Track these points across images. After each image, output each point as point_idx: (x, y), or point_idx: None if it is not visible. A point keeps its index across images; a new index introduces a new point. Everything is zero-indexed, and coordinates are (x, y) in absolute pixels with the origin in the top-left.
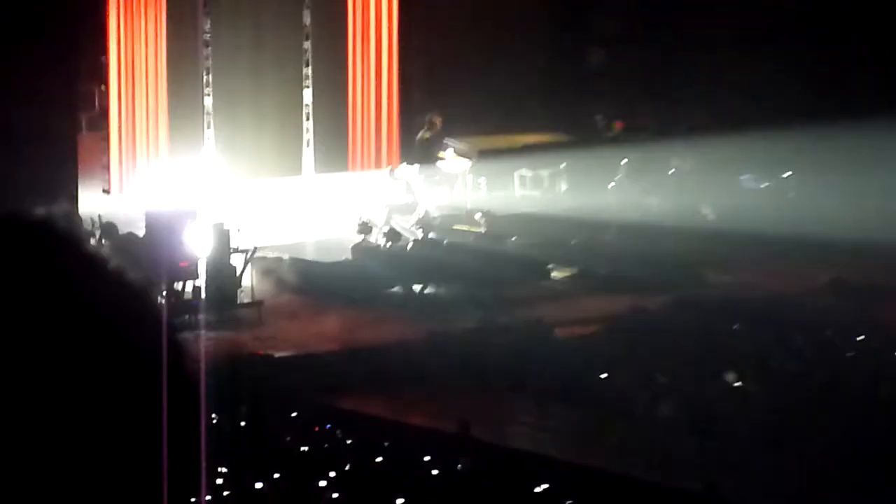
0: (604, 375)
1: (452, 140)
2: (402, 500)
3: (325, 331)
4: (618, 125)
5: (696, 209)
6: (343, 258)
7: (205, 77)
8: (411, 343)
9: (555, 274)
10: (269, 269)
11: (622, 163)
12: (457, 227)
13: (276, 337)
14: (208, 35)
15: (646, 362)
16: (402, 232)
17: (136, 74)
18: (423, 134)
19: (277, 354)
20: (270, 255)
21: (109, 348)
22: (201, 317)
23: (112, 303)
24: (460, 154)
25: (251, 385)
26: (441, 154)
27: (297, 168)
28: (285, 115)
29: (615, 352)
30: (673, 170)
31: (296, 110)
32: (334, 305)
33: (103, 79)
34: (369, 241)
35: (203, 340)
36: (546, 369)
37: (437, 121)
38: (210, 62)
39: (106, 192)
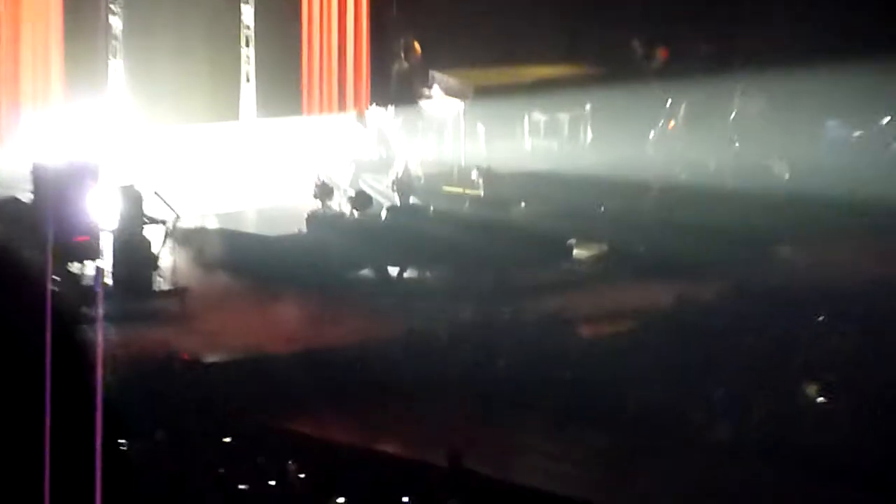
0: (641, 390)
1: (440, 74)
2: None
3: (271, 328)
4: (661, 53)
5: (765, 166)
6: (295, 230)
7: None
8: (385, 345)
9: (577, 252)
10: (197, 245)
11: (667, 104)
12: (447, 189)
13: (206, 336)
14: None
15: (698, 371)
16: (373, 195)
17: None
18: (398, 65)
19: (207, 360)
20: (198, 226)
21: None
22: (104, 309)
23: None
24: (450, 92)
25: (171, 402)
26: (425, 92)
27: (233, 111)
28: (217, 40)
29: (657, 357)
30: (734, 113)
31: (231, 34)
32: (283, 294)
33: None
34: (330, 208)
35: (105, 342)
36: (565, 381)
37: (416, 46)
38: None
39: None
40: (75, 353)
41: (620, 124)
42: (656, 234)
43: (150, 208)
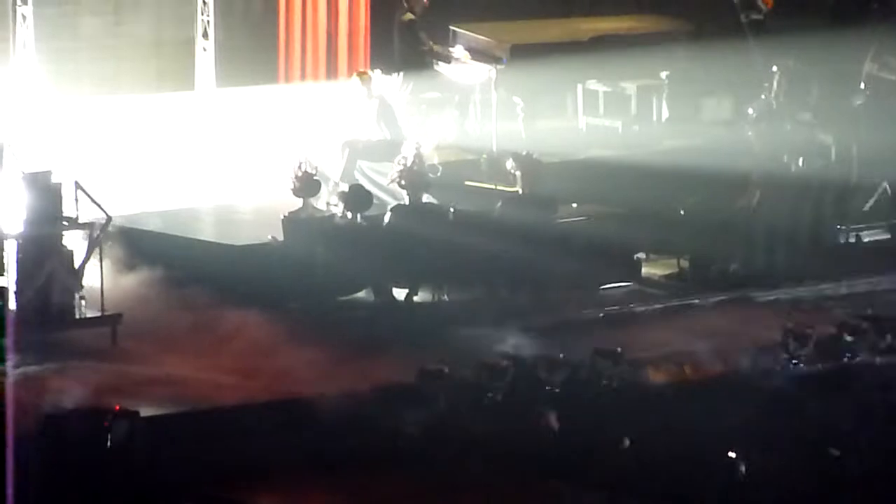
0: (733, 454)
1: (462, 29)
2: None
3: (233, 370)
4: (766, 3)
5: None
6: (268, 237)
7: None
8: (387, 391)
9: (647, 270)
10: (134, 256)
11: (773, 71)
12: (472, 183)
13: (144, 380)
14: None
15: (816, 428)
16: (373, 192)
17: None
18: (403, 15)
19: (145, 412)
20: (136, 230)
21: None
22: (7, 343)
23: None
24: (477, 54)
25: (98, 469)
26: (443, 54)
27: (186, 79)
28: None
29: (757, 410)
30: (863, 86)
31: None
32: (251, 323)
33: None
34: (315, 208)
35: (10, 386)
36: (625, 442)
37: None
38: None
39: None
40: None
41: (707, 98)
42: (754, 246)
43: (70, 206)
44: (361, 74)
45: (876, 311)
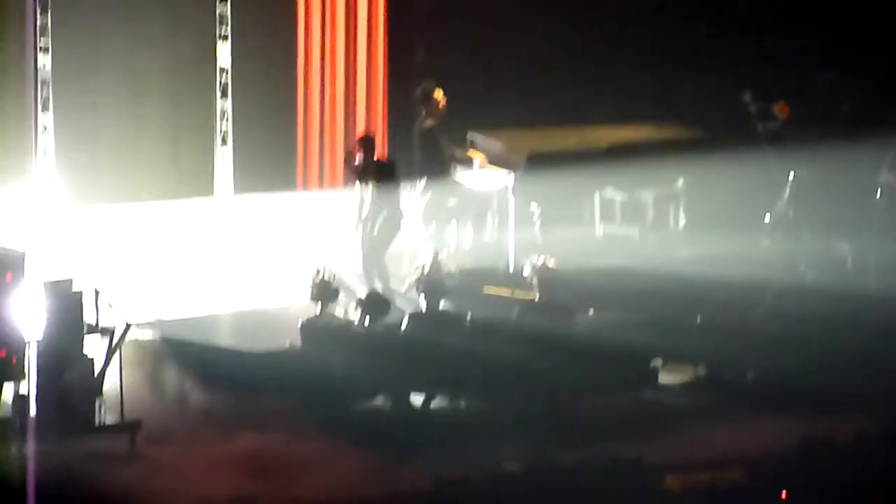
0: None
1: (481, 135)
2: None
3: (254, 478)
4: (781, 110)
5: None
6: (286, 344)
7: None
8: (404, 500)
9: (664, 378)
10: (154, 363)
11: (789, 178)
12: (489, 290)
13: (164, 491)
14: None
15: None
16: (390, 298)
17: None
18: (423, 122)
19: None
20: (156, 337)
21: None
22: (27, 451)
23: None
24: (494, 160)
25: None
26: (460, 160)
27: (205, 185)
28: (184, 88)
29: None
30: (880, 191)
31: (203, 80)
32: (270, 431)
33: None
34: (332, 314)
35: (30, 493)
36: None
37: (436, 95)
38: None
39: None
40: None
41: (724, 206)
42: (772, 355)
43: (90, 313)
44: (373, 184)
45: None
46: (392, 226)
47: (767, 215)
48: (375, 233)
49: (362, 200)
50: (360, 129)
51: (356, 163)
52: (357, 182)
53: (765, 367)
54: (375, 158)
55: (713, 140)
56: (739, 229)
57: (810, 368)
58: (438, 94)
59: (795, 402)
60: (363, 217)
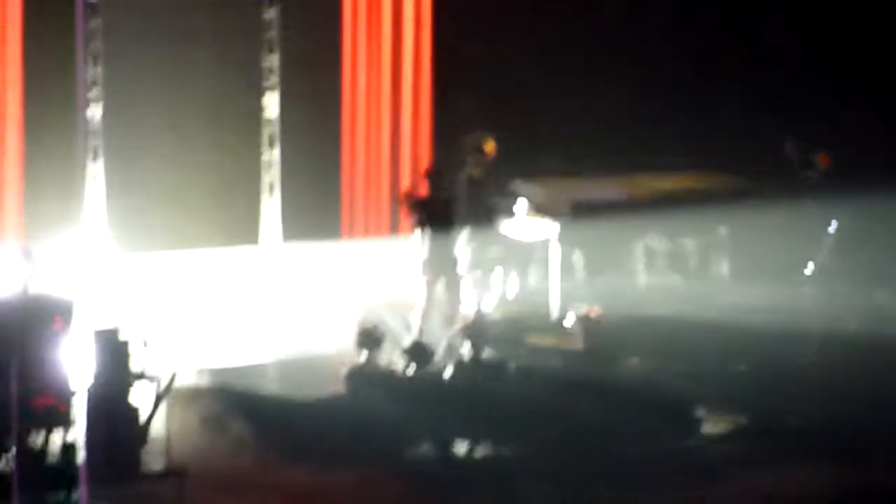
0: None
1: (525, 184)
2: None
3: None
4: (822, 160)
5: None
6: (331, 392)
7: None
8: None
9: (708, 427)
10: (201, 410)
11: (830, 229)
12: (533, 339)
13: None
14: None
15: None
16: (435, 348)
17: None
18: (468, 171)
19: None
20: (202, 385)
21: None
22: (77, 498)
23: None
24: (538, 209)
25: None
26: (504, 209)
27: (251, 234)
28: (231, 138)
29: None
30: None
31: (250, 131)
32: (317, 477)
33: None
34: (378, 363)
35: None
36: None
37: (490, 146)
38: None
39: None
40: None
41: (766, 255)
42: (815, 404)
43: (137, 361)
44: (417, 233)
45: None
46: (454, 269)
47: (809, 264)
48: (440, 275)
49: (423, 238)
50: (405, 180)
51: (419, 198)
52: (419, 217)
53: (807, 415)
54: (439, 194)
55: (756, 189)
56: (781, 278)
57: (853, 417)
58: (490, 146)
59: (839, 451)
60: (426, 258)
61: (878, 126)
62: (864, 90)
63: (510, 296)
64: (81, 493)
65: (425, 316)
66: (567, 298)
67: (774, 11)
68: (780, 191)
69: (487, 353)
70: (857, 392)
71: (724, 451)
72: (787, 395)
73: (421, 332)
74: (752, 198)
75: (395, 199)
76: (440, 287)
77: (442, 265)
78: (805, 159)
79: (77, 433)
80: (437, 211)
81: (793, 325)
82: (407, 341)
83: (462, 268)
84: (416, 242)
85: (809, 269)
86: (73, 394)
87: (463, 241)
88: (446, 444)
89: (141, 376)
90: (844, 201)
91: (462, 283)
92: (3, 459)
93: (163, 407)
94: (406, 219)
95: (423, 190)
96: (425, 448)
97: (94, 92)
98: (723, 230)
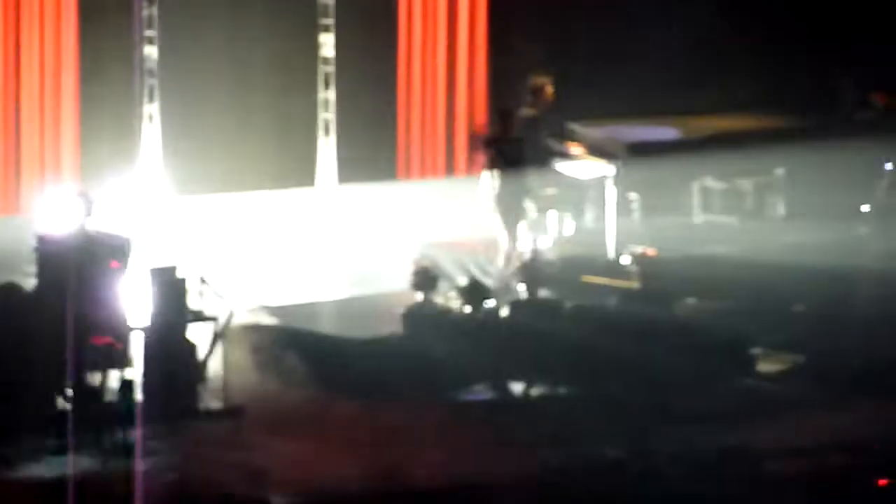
0: None
1: (581, 126)
2: None
3: (357, 462)
4: (879, 98)
5: None
6: (388, 331)
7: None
8: (508, 483)
9: (763, 366)
10: (258, 349)
11: (886, 167)
12: (588, 279)
13: (269, 474)
14: None
15: None
16: (490, 287)
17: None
18: (524, 113)
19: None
20: (259, 324)
21: None
22: (133, 436)
23: None
24: (595, 151)
25: None
26: (560, 150)
27: (307, 176)
28: (287, 79)
29: None
30: None
31: (306, 71)
32: (374, 415)
33: None
34: (434, 302)
35: (137, 483)
36: None
37: (547, 87)
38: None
39: None
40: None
41: (822, 194)
42: (870, 343)
43: (195, 300)
44: (474, 173)
45: None
46: (516, 208)
47: (866, 203)
48: (504, 213)
49: (493, 177)
50: (461, 120)
51: (490, 136)
52: (488, 156)
53: (863, 354)
54: (509, 134)
55: (812, 128)
56: (837, 217)
57: None
58: (549, 87)
59: (894, 389)
60: (495, 195)
61: None
62: None
63: (566, 236)
64: (138, 431)
65: (499, 255)
66: (623, 238)
67: None
68: (837, 130)
69: (543, 292)
70: None
71: (780, 390)
72: (844, 334)
73: (497, 271)
74: (808, 137)
75: (470, 135)
76: (506, 226)
77: (506, 204)
78: (862, 98)
79: (134, 372)
80: (507, 151)
81: (849, 264)
82: (462, 281)
83: (522, 207)
84: (486, 182)
85: (866, 208)
86: (130, 333)
87: (524, 181)
88: (502, 383)
89: (198, 315)
90: None
91: (522, 222)
92: (61, 399)
93: (220, 346)
94: (474, 158)
95: (494, 129)
96: (481, 387)
97: (150, 31)
98: (779, 170)
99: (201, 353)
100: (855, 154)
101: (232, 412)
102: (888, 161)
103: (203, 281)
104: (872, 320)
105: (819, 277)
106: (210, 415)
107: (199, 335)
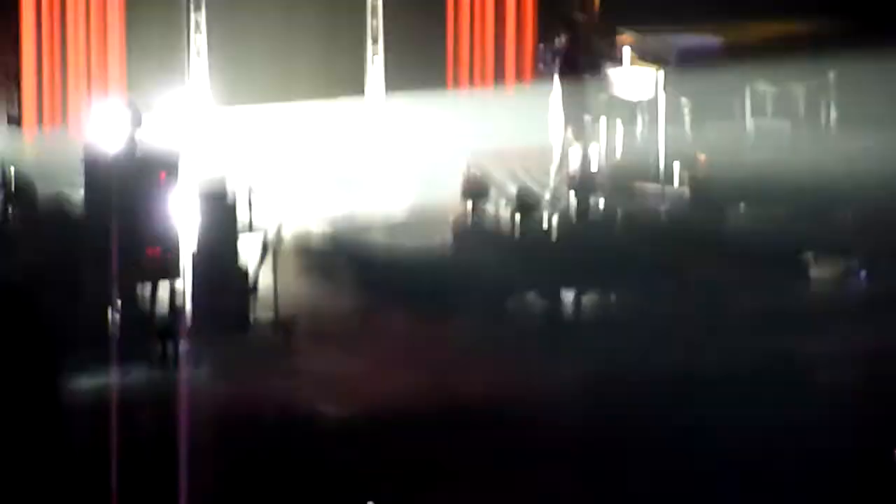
0: None
1: (630, 31)
2: None
3: (408, 373)
4: None
5: None
6: (438, 240)
7: None
8: (553, 396)
9: (815, 271)
10: (308, 261)
11: None
12: (640, 185)
13: (320, 385)
14: None
15: None
16: (541, 195)
17: None
18: (573, 19)
19: (322, 418)
20: (309, 236)
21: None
22: (183, 347)
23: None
24: (644, 57)
25: (276, 474)
26: (610, 56)
27: (356, 86)
28: None
29: None
30: None
31: None
32: (424, 326)
33: None
34: (484, 211)
35: (186, 391)
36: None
37: None
38: None
39: (15, 122)
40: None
41: (877, 98)
42: None
43: (244, 212)
44: (524, 81)
45: None
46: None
47: None
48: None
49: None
50: (510, 28)
51: (555, 47)
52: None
53: None
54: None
55: (865, 34)
56: (889, 122)
57: None
58: None
59: None
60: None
61: None
62: None
63: (616, 143)
64: (187, 343)
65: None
66: (673, 145)
67: None
68: (891, 34)
69: (593, 199)
70: None
71: (834, 294)
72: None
73: (548, 179)
74: (861, 42)
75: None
76: (563, 132)
77: (563, 111)
78: None
79: (184, 285)
80: (567, 59)
81: None
82: (512, 189)
83: (577, 114)
84: (552, 91)
85: None
86: (179, 245)
87: (579, 89)
88: (552, 293)
89: (248, 227)
90: None
91: (575, 129)
92: (112, 311)
93: (269, 258)
94: (535, 66)
95: (559, 39)
96: (531, 297)
97: None
98: (831, 74)
99: (251, 266)
100: None
101: (282, 324)
102: None
103: (252, 193)
104: None
105: (872, 181)
106: (260, 327)
107: (248, 247)
